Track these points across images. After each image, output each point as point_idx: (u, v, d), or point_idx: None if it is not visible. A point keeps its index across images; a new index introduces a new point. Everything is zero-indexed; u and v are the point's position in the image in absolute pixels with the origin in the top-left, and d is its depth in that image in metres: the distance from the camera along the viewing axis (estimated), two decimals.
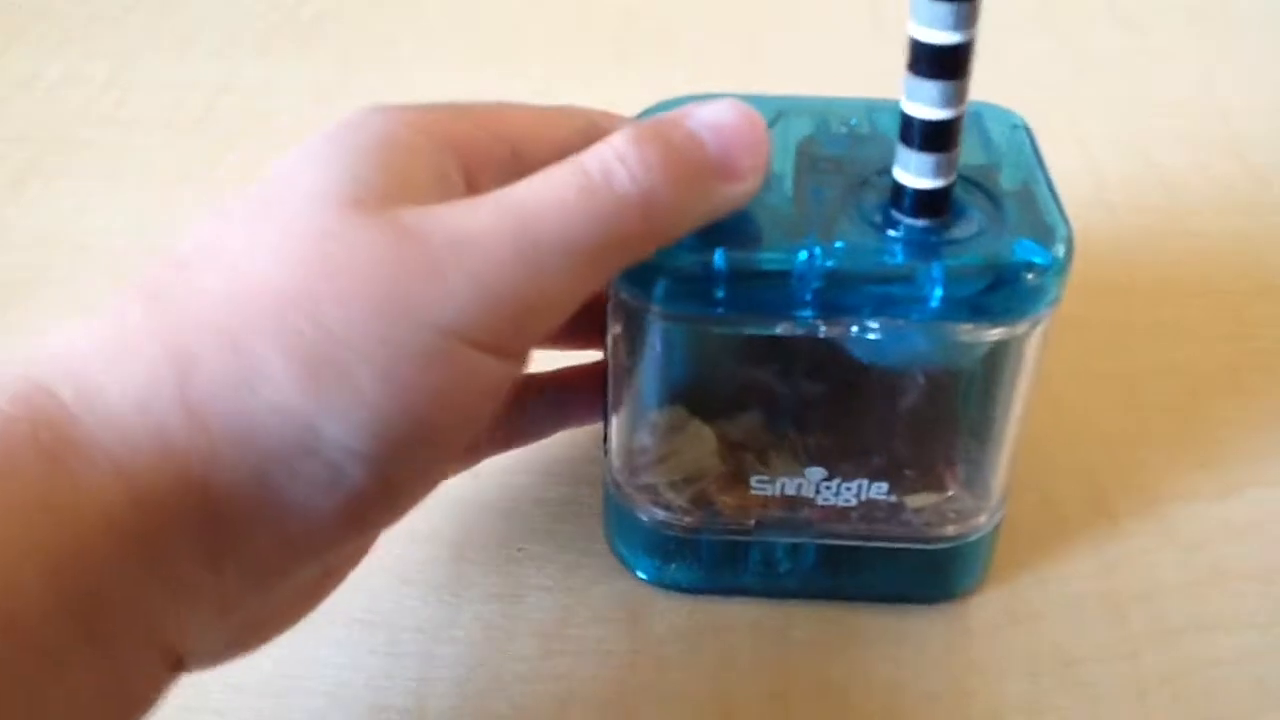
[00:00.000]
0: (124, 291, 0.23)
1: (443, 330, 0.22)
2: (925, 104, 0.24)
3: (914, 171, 0.25)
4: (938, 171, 0.25)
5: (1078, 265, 0.26)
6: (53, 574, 0.19)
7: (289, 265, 0.22)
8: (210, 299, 0.22)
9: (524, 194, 0.23)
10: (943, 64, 0.24)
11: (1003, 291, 0.25)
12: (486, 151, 0.25)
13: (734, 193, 0.25)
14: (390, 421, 0.22)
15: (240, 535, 0.22)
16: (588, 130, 0.27)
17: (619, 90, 0.52)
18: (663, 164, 0.24)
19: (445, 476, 0.25)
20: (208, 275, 0.22)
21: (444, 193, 0.24)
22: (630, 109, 0.29)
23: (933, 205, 0.26)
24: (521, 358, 0.24)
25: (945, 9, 0.23)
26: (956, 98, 0.24)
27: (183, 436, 0.21)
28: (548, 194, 0.23)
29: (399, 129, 0.24)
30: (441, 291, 0.22)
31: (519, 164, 0.25)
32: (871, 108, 0.29)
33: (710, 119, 0.25)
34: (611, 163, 0.24)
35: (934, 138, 0.25)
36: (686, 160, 0.24)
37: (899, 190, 0.26)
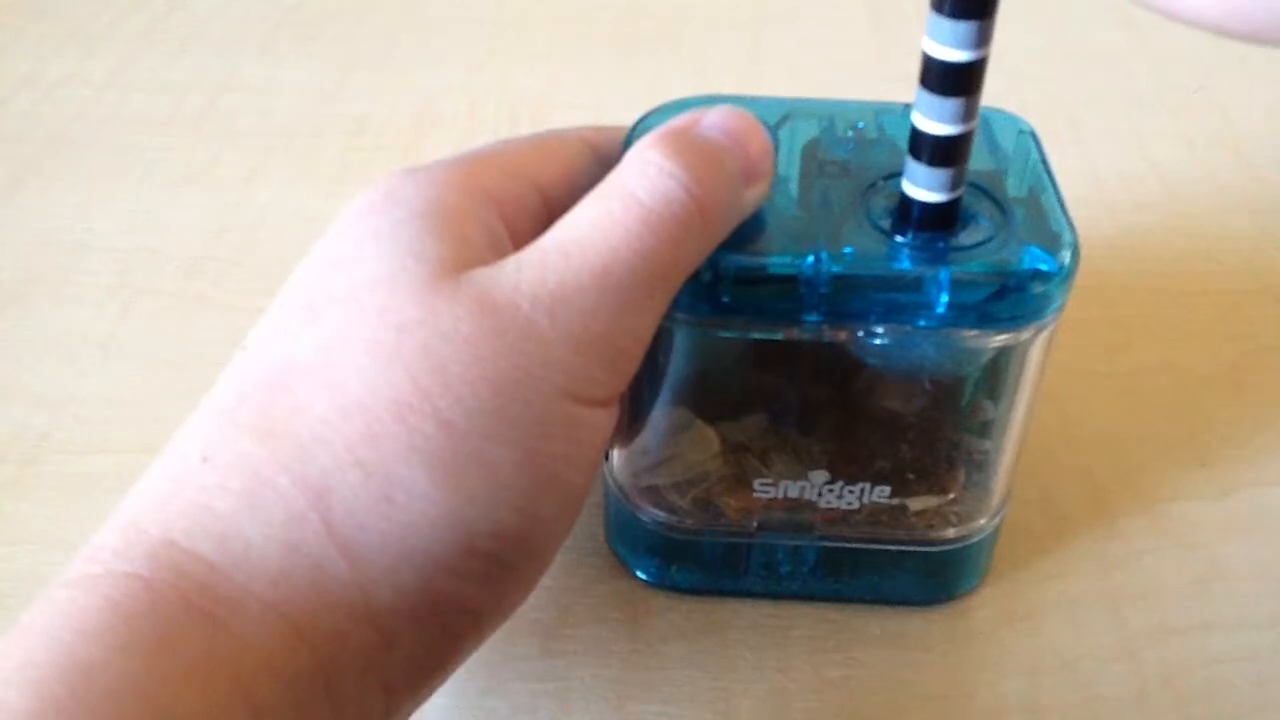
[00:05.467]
0: (227, 427, 0.22)
1: (556, 391, 0.22)
2: (936, 119, 0.24)
3: (923, 185, 0.25)
4: (947, 186, 0.25)
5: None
6: None
7: (386, 366, 0.21)
8: (319, 420, 0.21)
9: (589, 238, 0.23)
10: (956, 81, 0.24)
11: (1009, 299, 0.25)
12: (519, 198, 0.25)
13: (755, 196, 0.25)
14: (533, 495, 0.22)
15: (410, 651, 0.21)
16: (585, 152, 0.27)
17: (619, 90, 0.52)
18: (706, 169, 0.23)
19: (567, 537, 0.24)
20: (307, 394, 0.21)
21: (497, 250, 0.23)
22: (630, 109, 0.29)
23: (941, 218, 0.26)
24: (617, 403, 0.24)
25: (961, 27, 0.23)
26: (968, 114, 0.24)
27: (341, 569, 0.20)
28: (614, 233, 0.22)
29: (440, 192, 0.23)
30: (545, 354, 0.22)
31: (544, 203, 0.25)
32: (879, 111, 0.29)
33: (722, 124, 0.25)
34: (663, 182, 0.23)
35: (944, 153, 0.25)
36: (721, 162, 0.24)
37: (907, 203, 0.26)
